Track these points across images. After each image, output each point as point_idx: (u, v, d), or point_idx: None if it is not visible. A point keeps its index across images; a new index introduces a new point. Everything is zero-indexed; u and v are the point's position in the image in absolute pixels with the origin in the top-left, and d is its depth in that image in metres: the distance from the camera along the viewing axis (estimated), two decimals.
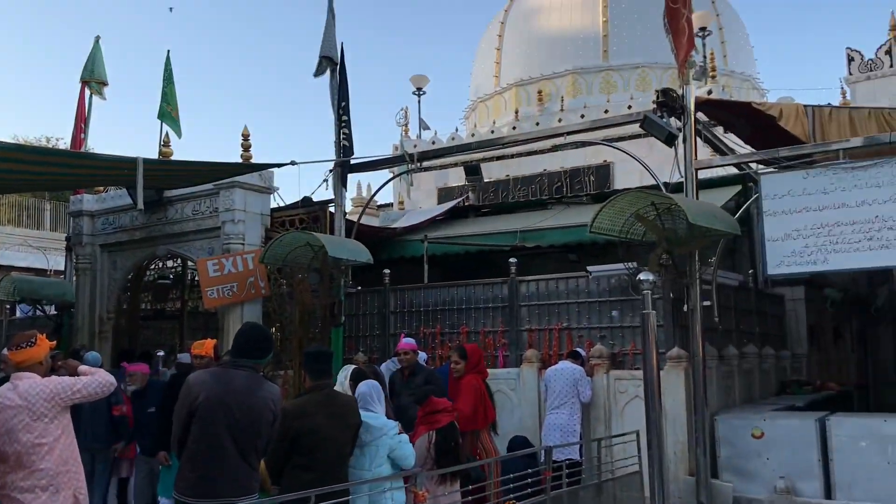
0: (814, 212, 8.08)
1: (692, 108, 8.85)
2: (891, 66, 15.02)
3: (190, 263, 13.40)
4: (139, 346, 12.34)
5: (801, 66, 53.52)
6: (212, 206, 11.63)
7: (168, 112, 13.27)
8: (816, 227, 8.03)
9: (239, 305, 11.04)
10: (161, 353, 11.71)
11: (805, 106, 8.93)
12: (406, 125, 21.63)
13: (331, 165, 11.11)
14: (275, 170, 11.37)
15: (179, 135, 13.74)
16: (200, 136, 55.64)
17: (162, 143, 13.19)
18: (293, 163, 10.70)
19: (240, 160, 11.81)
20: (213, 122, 56.51)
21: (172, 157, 12.61)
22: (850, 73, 15.36)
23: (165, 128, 13.72)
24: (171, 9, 47.05)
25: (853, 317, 14.42)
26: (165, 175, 10.98)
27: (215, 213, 11.54)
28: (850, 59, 15.48)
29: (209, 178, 11.23)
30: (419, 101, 22.18)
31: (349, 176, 11.62)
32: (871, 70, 15.17)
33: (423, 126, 21.83)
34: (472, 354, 8.12)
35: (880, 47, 15.29)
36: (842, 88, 16.12)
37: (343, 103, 11.09)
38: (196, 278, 12.58)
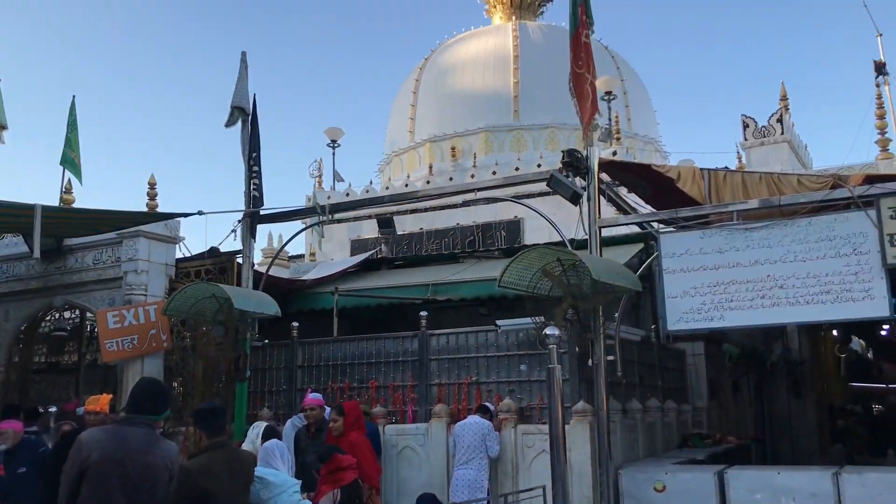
0: (710, 270, 8.44)
1: (596, 168, 9.17)
2: (781, 133, 15.94)
3: (89, 315, 12.88)
4: (30, 402, 11.71)
5: (701, 130, 56.37)
6: (114, 256, 11.28)
7: (71, 158, 12.89)
8: (713, 285, 8.37)
9: (139, 359, 10.66)
10: (53, 409, 11.14)
11: (701, 169, 9.37)
12: (320, 177, 21.60)
13: (240, 216, 10.97)
14: (181, 219, 11.16)
15: (81, 181, 13.34)
16: (106, 184, 54.14)
17: (64, 189, 12.78)
18: (200, 213, 10.53)
19: (145, 209, 11.55)
20: (119, 169, 55.13)
21: (74, 205, 12.21)
22: (746, 139, 16.21)
23: (68, 174, 13.30)
24: None
25: (750, 371, 14.97)
26: (66, 223, 10.62)
27: (118, 262, 11.19)
28: (745, 126, 16.35)
29: (113, 227, 10.91)
30: (334, 154, 22.24)
31: (260, 226, 11.50)
32: (765, 136, 16.05)
33: (337, 178, 21.85)
34: (350, 412, 8.04)
35: (772, 115, 16.23)
36: (738, 153, 16.98)
37: (254, 154, 11.02)
38: (95, 330, 12.10)
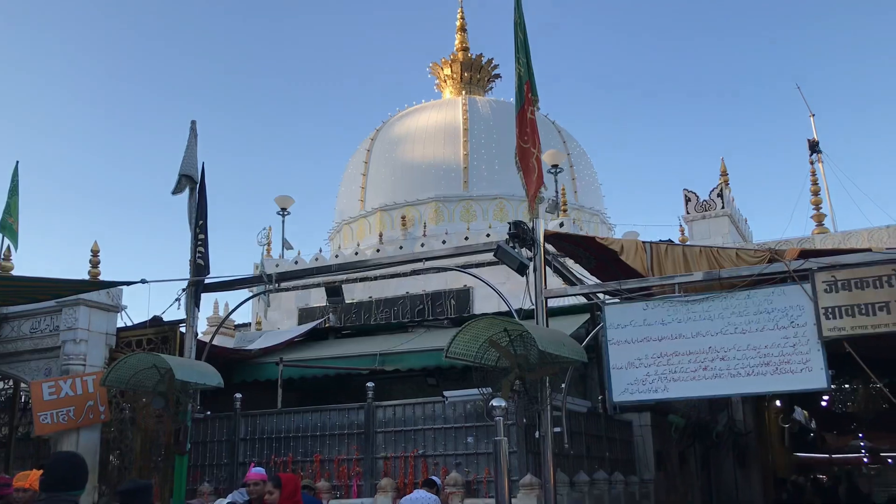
0: (654, 341, 8.54)
1: (542, 240, 9.30)
2: (722, 207, 16.37)
3: (23, 385, 12.42)
4: None
5: (646, 203, 57.84)
6: (53, 325, 10.96)
7: (9, 224, 12.60)
8: (657, 357, 8.47)
9: (75, 431, 10.29)
10: None
11: (644, 242, 9.57)
12: (268, 245, 21.43)
13: (184, 284, 10.80)
14: (124, 287, 10.94)
15: (16, 247, 13.01)
16: (47, 252, 52.90)
17: (2, 257, 12.45)
18: (143, 281, 10.34)
19: (88, 277, 11.30)
20: (61, 236, 54.02)
21: (12, 272, 11.90)
22: (688, 212, 16.62)
23: (6, 242, 12.98)
24: None
25: (697, 442, 15.04)
26: (3, 291, 10.32)
27: (56, 331, 10.87)
28: (688, 200, 16.78)
29: (52, 295, 10.64)
30: (283, 222, 22.13)
31: (206, 295, 11.33)
32: (706, 210, 16.48)
33: (286, 246, 21.70)
34: (286, 483, 7.81)
35: (713, 190, 16.70)
36: (681, 225, 17.40)
37: (201, 222, 10.93)
38: (29, 401, 11.65)
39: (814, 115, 18.12)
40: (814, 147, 16.94)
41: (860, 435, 25.01)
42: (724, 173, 17.69)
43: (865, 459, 25.55)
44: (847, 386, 19.93)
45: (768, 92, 55.94)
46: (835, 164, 24.81)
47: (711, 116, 57.97)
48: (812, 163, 16.60)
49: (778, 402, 18.57)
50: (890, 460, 25.81)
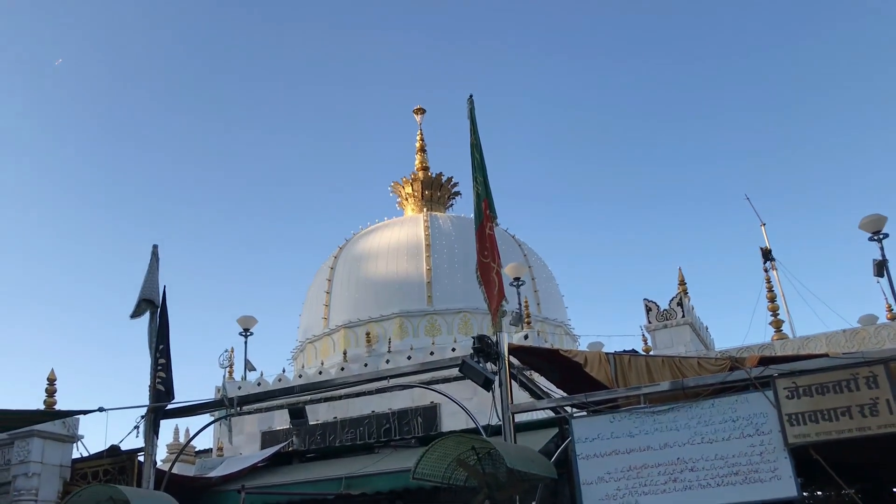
0: (623, 454, 8.46)
1: (506, 353, 9.32)
2: (682, 315, 16.58)
3: None
4: None
5: (608, 313, 58.31)
6: (3, 458, 10.54)
7: None
8: (626, 470, 8.36)
9: None
10: None
11: (607, 354, 9.62)
12: (230, 367, 21.07)
13: (143, 411, 10.53)
14: (80, 417, 10.62)
15: None
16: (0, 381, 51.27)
17: None
18: (101, 409, 10.08)
19: (43, 406, 10.97)
20: (15, 364, 52.58)
21: None
22: (650, 322, 16.79)
23: None
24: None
25: None
26: None
27: (7, 465, 10.45)
28: (648, 310, 16.99)
29: (4, 428, 10.27)
30: (246, 343, 21.83)
31: (166, 421, 11.04)
32: (667, 319, 16.67)
33: (248, 367, 21.33)
34: None
35: (672, 299, 16.95)
36: (643, 335, 17.53)
37: (161, 346, 10.78)
38: None
39: (765, 225, 18.71)
40: (767, 255, 17.40)
41: None
42: (682, 282, 18.02)
43: None
44: (819, 493, 19.73)
45: (721, 200, 57.78)
46: (788, 271, 25.36)
47: (668, 224, 59.48)
48: (766, 270, 17.00)
49: None
50: None
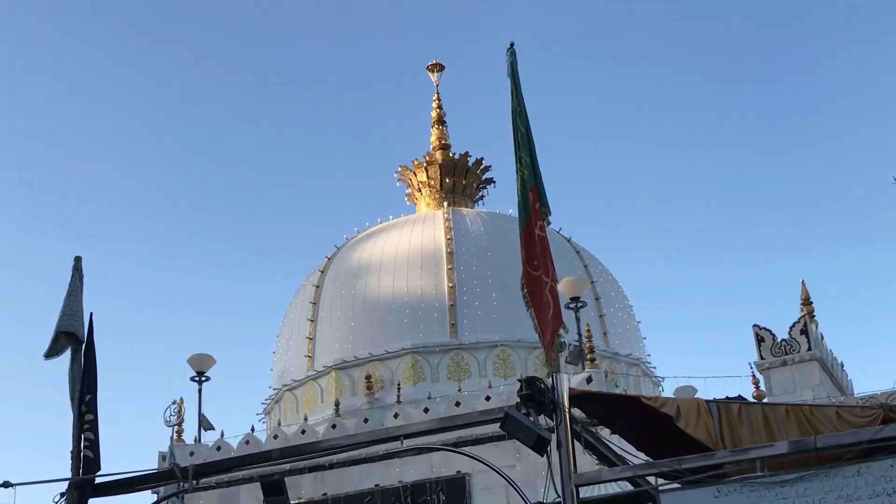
0: None
1: (566, 402, 9.22)
2: (808, 348, 16.43)
3: None
4: None
5: (702, 346, 57.82)
6: None
7: None
8: None
9: None
10: None
11: (708, 402, 9.51)
12: (180, 424, 21.13)
13: (64, 486, 10.56)
14: None
15: None
16: None
17: None
18: (6, 484, 10.13)
19: None
20: None
21: None
22: (762, 358, 16.67)
23: None
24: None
25: None
26: None
27: None
28: (761, 340, 16.87)
29: None
30: (200, 391, 21.87)
31: (93, 501, 11.06)
32: (787, 353, 16.56)
33: (204, 425, 21.39)
34: None
35: (794, 325, 16.81)
36: (753, 376, 17.41)
37: (88, 397, 10.79)
38: None
39: None
40: None
41: None
42: (806, 301, 17.90)
43: None
44: None
45: (860, 185, 57.07)
46: None
47: (786, 217, 58.84)
48: None
49: None
50: None
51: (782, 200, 58.32)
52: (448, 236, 24.04)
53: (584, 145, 61.51)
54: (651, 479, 9.89)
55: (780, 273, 56.38)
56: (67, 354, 11.04)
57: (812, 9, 56.99)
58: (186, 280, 59.73)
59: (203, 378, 21.92)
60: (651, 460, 10.04)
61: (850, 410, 9.17)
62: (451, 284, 22.96)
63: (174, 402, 20.31)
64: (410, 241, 24.49)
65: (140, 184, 60.27)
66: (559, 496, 9.08)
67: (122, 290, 55.36)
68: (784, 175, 57.73)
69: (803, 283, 18.06)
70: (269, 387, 25.79)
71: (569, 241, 25.56)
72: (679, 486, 9.09)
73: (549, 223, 10.27)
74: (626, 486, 11.65)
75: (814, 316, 17.30)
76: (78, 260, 11.38)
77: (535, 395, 9.23)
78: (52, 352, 10.95)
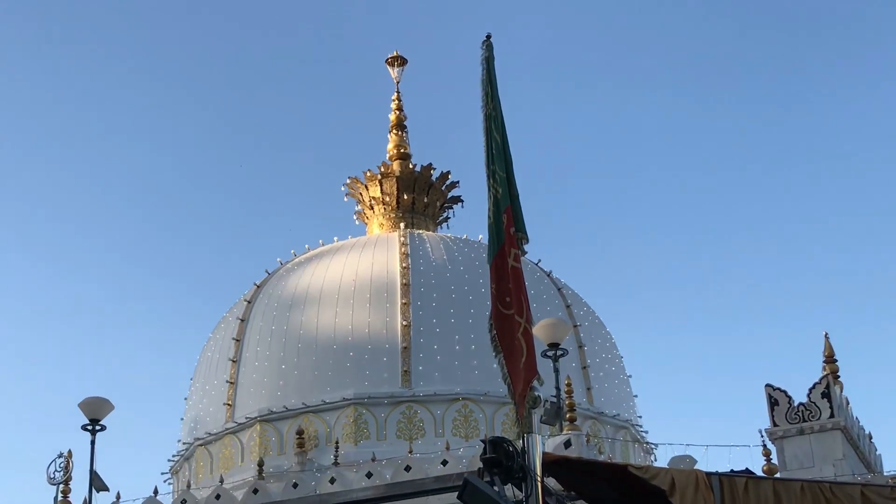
0: None
1: (539, 470, 9.23)
2: (831, 415, 16.52)
3: None
4: None
5: (701, 410, 57.82)
6: None
7: None
8: None
9: None
10: None
11: (709, 474, 9.56)
12: (67, 482, 20.91)
13: None
14: None
15: None
16: None
17: None
18: None
19: None
20: None
21: None
22: (776, 424, 16.74)
23: None
24: None
25: None
26: None
27: None
28: (774, 403, 16.93)
29: None
30: (93, 442, 21.63)
31: None
32: (805, 420, 16.64)
33: (96, 485, 21.13)
34: None
35: (814, 387, 16.89)
36: (764, 445, 17.48)
37: None
38: None
39: None
40: None
41: None
42: (830, 359, 17.99)
43: None
44: None
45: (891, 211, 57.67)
46: None
47: (805, 257, 59.29)
48: None
49: None
50: None
51: (801, 237, 58.80)
52: (404, 264, 24.01)
53: (569, 163, 61.71)
54: None
55: (800, 324, 56.71)
56: None
57: None
58: (82, 309, 59.13)
59: (98, 427, 21.68)
60: None
61: (879, 491, 9.27)
62: (405, 323, 22.89)
63: (61, 455, 20.09)
64: (358, 268, 24.42)
65: (44, 189, 59.83)
66: None
67: (6, 318, 54.84)
68: (802, 209, 58.34)
69: (826, 336, 18.17)
70: (179, 440, 25.59)
71: (549, 275, 25.61)
72: None
73: (525, 252, 10.27)
74: None
75: (838, 376, 17.41)
76: None
77: (502, 459, 9.23)
78: None
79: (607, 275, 56.88)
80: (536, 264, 24.96)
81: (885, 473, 17.09)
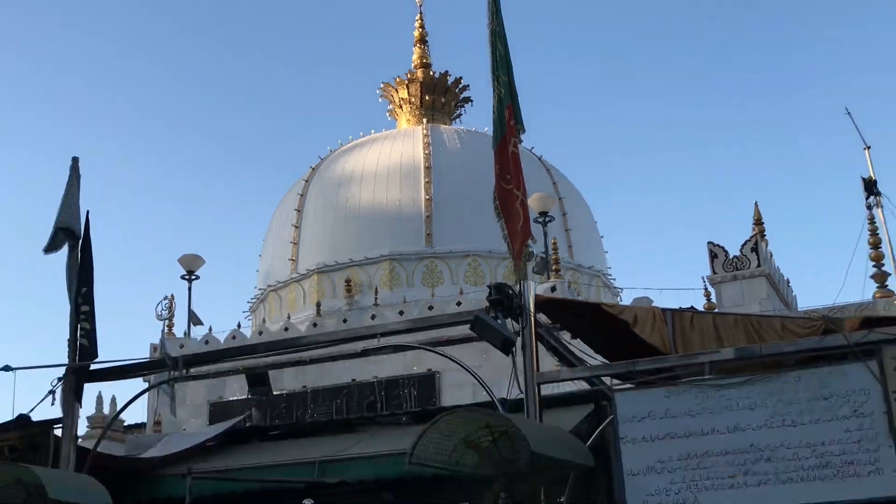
0: (680, 439, 8.51)
1: (532, 308, 9.32)
2: (758, 264, 16.59)
3: None
4: None
5: (659, 261, 58.33)
6: None
7: None
8: (683, 458, 8.43)
9: None
10: None
11: (663, 310, 9.63)
12: (171, 318, 21.19)
13: (61, 372, 10.62)
14: None
15: None
16: None
17: None
18: (7, 368, 10.18)
19: None
20: None
21: None
22: (714, 272, 16.81)
23: None
24: None
25: None
26: None
27: None
28: (714, 256, 16.99)
29: None
30: (190, 288, 21.90)
31: (89, 386, 11.14)
32: (737, 269, 16.70)
33: (193, 320, 21.45)
34: None
35: (745, 243, 16.93)
36: (705, 289, 17.58)
37: (84, 289, 10.81)
38: None
39: (869, 148, 18.52)
40: (871, 188, 17.26)
41: None
42: (758, 221, 17.99)
43: None
44: None
45: (813, 114, 57.23)
46: None
47: (741, 146, 59.06)
48: (869, 207, 16.90)
49: None
50: None
51: (741, 129, 58.35)
52: (426, 151, 23.93)
53: (557, 69, 60.95)
54: (607, 380, 10.07)
55: (737, 195, 56.89)
56: (65, 249, 11.04)
57: None
58: (179, 183, 59.55)
59: (193, 277, 21.94)
60: (608, 362, 10.19)
61: (794, 321, 9.33)
62: (427, 197, 22.93)
63: (165, 298, 20.31)
64: (391, 154, 24.38)
65: (134, 86, 59.53)
66: (522, 393, 9.23)
67: (118, 190, 55.08)
68: (746, 103, 57.70)
69: (756, 204, 18.16)
70: (255, 287, 25.84)
71: (540, 159, 25.48)
72: (633, 386, 9.26)
73: (521, 141, 10.24)
74: (584, 386, 11.86)
75: (764, 235, 17.42)
76: (75, 161, 11.31)
77: (504, 300, 9.31)
78: (51, 247, 10.95)
79: (587, 158, 56.76)
80: (530, 150, 24.78)
81: (798, 308, 17.25)
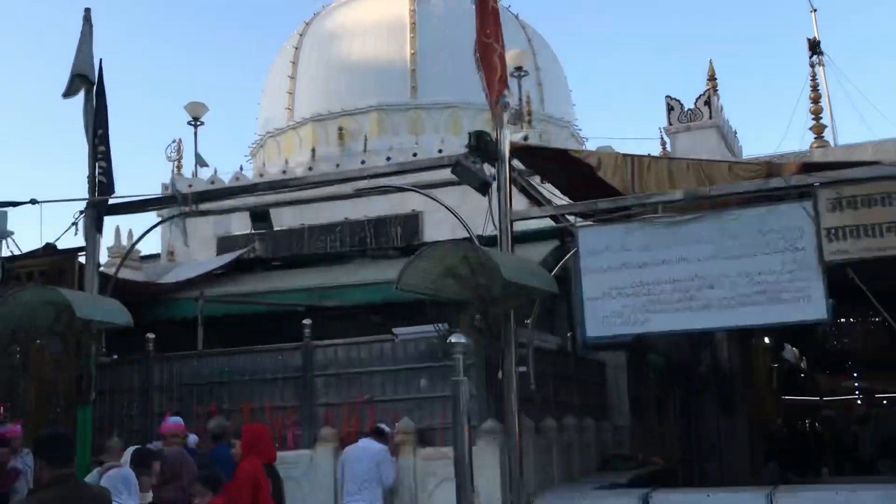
0: (634, 269, 8.72)
1: (507, 154, 9.32)
2: (710, 117, 16.56)
3: None
4: None
5: (621, 113, 58.05)
6: None
7: None
8: (636, 286, 8.66)
9: None
10: None
11: (624, 155, 9.67)
12: (179, 160, 21.06)
13: (83, 205, 10.61)
14: (10, 210, 10.70)
15: None
16: None
17: None
18: (34, 201, 10.17)
19: None
20: None
21: None
22: (670, 123, 16.78)
23: None
24: None
25: (676, 386, 15.51)
26: None
27: None
28: (670, 109, 16.92)
29: None
30: (196, 133, 21.64)
31: (107, 219, 11.17)
32: (691, 120, 16.67)
33: (199, 162, 21.31)
34: (245, 434, 7.95)
35: (699, 97, 16.85)
36: (662, 138, 17.57)
37: (100, 131, 10.71)
38: None
39: (815, 11, 18.24)
40: (814, 48, 17.11)
41: (855, 375, 26.07)
42: (711, 78, 17.84)
43: (859, 402, 26.69)
44: (843, 320, 20.70)
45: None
46: (838, 68, 25.22)
47: (697, 8, 57.98)
48: (812, 66, 16.81)
49: (766, 340, 19.20)
50: (885, 402, 27.01)
51: None
52: (411, 7, 23.25)
53: None
54: (571, 218, 10.19)
55: (692, 52, 56.21)
56: (82, 95, 10.88)
57: None
58: (185, 35, 58.04)
59: (198, 123, 21.69)
60: (573, 202, 10.30)
61: (740, 166, 9.41)
62: (412, 51, 22.42)
63: (174, 141, 20.19)
64: (379, 10, 23.64)
65: None
66: (496, 230, 9.34)
67: (129, 39, 53.73)
68: None
69: (711, 62, 17.96)
70: (255, 133, 25.55)
71: (516, 17, 24.86)
72: (594, 223, 9.40)
73: None
74: (551, 223, 12.00)
75: (717, 90, 17.30)
76: (87, 11, 10.99)
77: (482, 146, 9.31)
78: (69, 92, 10.78)
79: (560, 10, 55.56)
80: (507, 9, 24.16)
81: (744, 157, 17.32)
